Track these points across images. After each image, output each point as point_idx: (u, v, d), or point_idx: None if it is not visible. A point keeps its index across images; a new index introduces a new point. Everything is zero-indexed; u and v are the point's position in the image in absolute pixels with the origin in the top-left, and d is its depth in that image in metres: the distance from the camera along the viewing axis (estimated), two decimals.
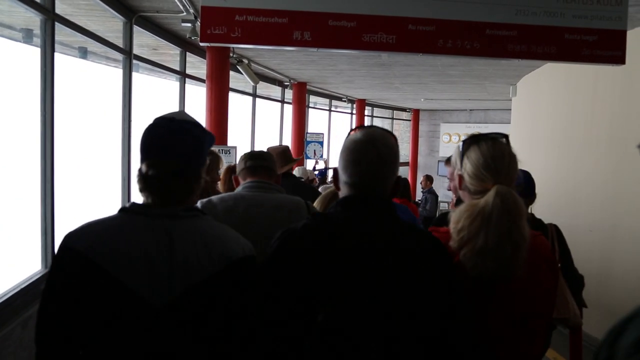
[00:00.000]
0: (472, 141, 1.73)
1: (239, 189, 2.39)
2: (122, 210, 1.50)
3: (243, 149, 7.00)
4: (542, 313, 1.68)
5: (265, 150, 2.64)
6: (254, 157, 2.45)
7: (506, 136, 1.78)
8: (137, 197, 1.60)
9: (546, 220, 2.96)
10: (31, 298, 3.62)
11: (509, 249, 1.54)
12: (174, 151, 1.48)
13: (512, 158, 1.70)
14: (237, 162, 2.55)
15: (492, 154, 1.67)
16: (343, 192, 1.51)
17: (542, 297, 1.66)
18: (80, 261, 1.41)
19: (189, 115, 1.60)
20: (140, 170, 1.48)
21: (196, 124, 1.56)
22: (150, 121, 1.55)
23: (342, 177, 1.50)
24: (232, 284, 1.45)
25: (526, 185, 2.77)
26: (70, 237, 1.45)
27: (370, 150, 1.46)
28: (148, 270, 1.41)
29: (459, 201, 1.81)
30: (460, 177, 1.73)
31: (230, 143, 7.15)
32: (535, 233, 1.71)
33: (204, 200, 2.30)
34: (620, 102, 5.50)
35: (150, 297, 1.40)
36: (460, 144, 1.77)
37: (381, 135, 1.52)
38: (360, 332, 1.34)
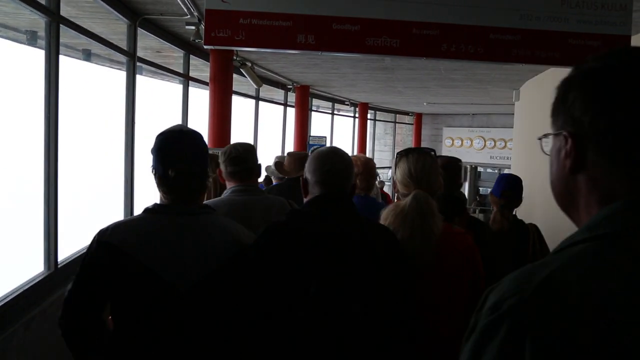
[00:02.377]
0: (403, 153, 2.11)
1: (227, 193, 2.60)
2: (147, 210, 1.77)
3: None
4: (457, 301, 1.97)
5: (244, 146, 2.71)
6: (234, 163, 2.60)
7: (434, 151, 2.19)
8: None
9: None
10: (34, 300, 3.62)
11: (418, 241, 1.89)
12: (194, 157, 1.79)
13: (432, 170, 2.06)
14: (219, 159, 2.68)
15: (415, 165, 2.03)
16: (312, 192, 1.84)
17: (458, 287, 1.97)
18: (115, 253, 1.67)
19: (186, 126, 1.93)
20: (164, 175, 1.75)
21: (199, 133, 1.87)
22: (161, 129, 1.81)
23: (312, 178, 1.84)
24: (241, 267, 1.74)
25: (516, 191, 3.26)
26: (104, 233, 1.72)
27: (334, 156, 1.86)
28: (175, 260, 1.68)
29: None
30: (395, 183, 2.11)
31: None
32: (459, 231, 2.09)
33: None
34: None
35: (177, 282, 1.67)
36: (396, 155, 2.15)
37: (339, 149, 1.93)
38: (339, 299, 1.66)
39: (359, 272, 1.70)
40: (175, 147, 1.78)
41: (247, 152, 2.64)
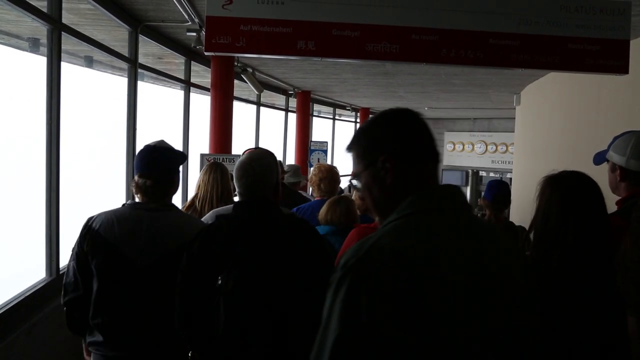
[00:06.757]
0: None
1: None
2: (123, 205, 2.39)
3: None
4: None
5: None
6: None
7: None
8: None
9: None
10: (36, 306, 3.63)
11: None
12: (154, 169, 2.36)
13: None
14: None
15: None
16: (238, 198, 2.22)
17: None
18: (93, 235, 2.27)
19: (166, 143, 2.46)
20: (135, 181, 2.37)
21: (170, 149, 2.45)
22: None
23: (236, 187, 2.21)
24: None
25: (507, 194, 3.96)
26: (90, 218, 2.34)
27: (249, 168, 2.17)
28: (135, 242, 2.26)
29: None
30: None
31: (234, 151, 7.16)
32: None
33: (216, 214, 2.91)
34: (623, 111, 5.50)
35: (137, 259, 2.24)
36: None
37: (258, 155, 2.25)
38: (252, 292, 2.03)
39: (267, 265, 2.04)
40: (142, 158, 2.38)
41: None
